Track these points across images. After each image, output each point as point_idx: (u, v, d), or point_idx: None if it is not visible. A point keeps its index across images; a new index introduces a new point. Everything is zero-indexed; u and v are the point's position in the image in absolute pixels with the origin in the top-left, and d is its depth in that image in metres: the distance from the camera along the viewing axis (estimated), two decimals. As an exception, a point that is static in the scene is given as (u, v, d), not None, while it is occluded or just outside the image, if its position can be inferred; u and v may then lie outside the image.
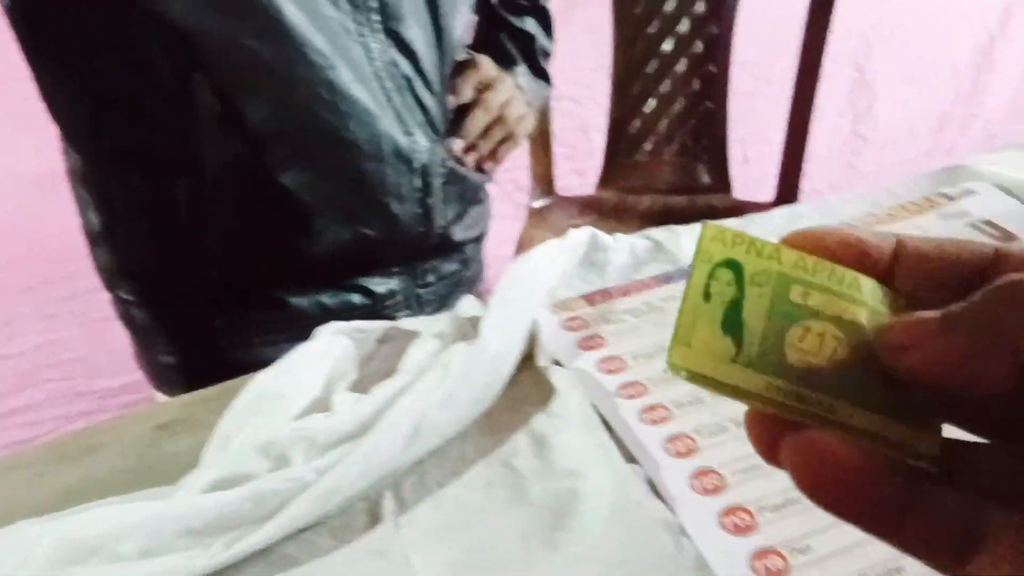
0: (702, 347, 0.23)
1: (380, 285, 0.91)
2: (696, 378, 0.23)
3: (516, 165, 1.63)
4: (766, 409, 0.24)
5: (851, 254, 0.25)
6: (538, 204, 1.72)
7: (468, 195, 0.96)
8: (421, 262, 0.94)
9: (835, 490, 0.22)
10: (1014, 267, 0.23)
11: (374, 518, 0.52)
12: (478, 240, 1.03)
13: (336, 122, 0.78)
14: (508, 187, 1.93)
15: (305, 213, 0.82)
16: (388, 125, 0.81)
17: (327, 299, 0.88)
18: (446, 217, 0.92)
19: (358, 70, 0.78)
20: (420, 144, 0.85)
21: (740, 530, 0.49)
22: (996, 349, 0.20)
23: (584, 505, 0.52)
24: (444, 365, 0.56)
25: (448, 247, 0.96)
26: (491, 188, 1.05)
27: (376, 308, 0.90)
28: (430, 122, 0.86)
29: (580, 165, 2.01)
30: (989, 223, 0.74)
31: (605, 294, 0.69)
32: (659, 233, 0.78)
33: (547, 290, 0.69)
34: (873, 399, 0.23)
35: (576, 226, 0.75)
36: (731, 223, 0.79)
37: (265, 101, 0.76)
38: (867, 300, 0.24)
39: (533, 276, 0.66)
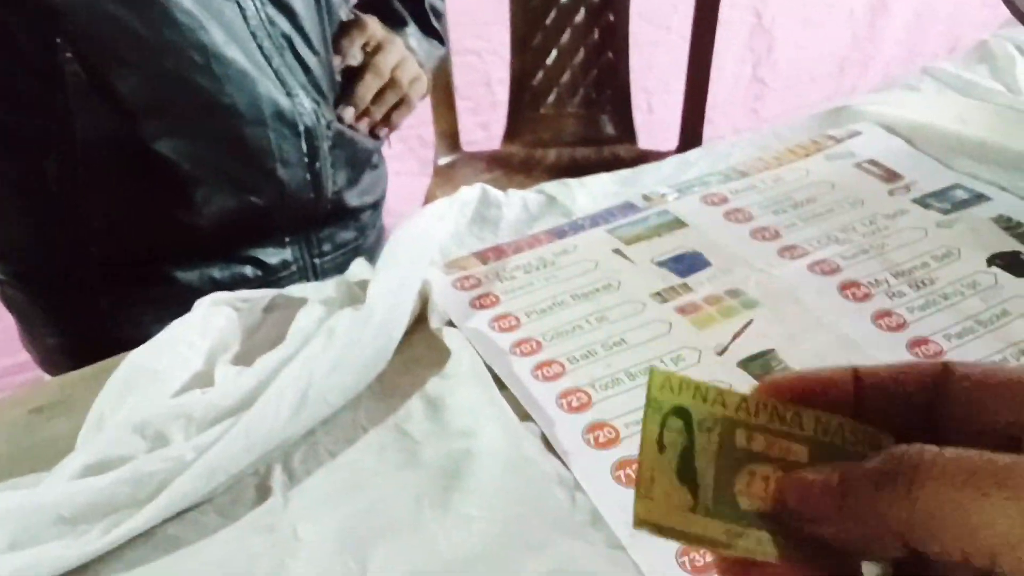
0: (662, 499, 0.24)
1: (273, 256, 0.88)
2: (662, 531, 0.24)
3: (420, 121, 1.60)
4: (730, 553, 0.24)
5: (819, 392, 0.26)
6: (443, 161, 1.70)
7: (360, 159, 0.93)
8: (315, 230, 0.91)
9: None
10: (959, 379, 0.24)
11: (263, 492, 0.51)
12: (375, 207, 1.00)
13: (211, 86, 0.75)
14: (412, 143, 1.90)
15: (186, 183, 0.78)
16: (268, 87, 0.78)
17: (217, 272, 0.85)
18: (337, 182, 0.89)
19: (232, 30, 0.75)
20: (304, 106, 0.82)
21: (633, 481, 0.49)
22: (881, 535, 0.22)
23: (477, 464, 0.51)
24: (330, 331, 0.55)
25: (343, 214, 0.93)
26: (395, 144, 1.03)
27: (270, 280, 0.88)
28: (313, 83, 0.84)
29: (484, 119, 1.99)
30: (874, 162, 0.75)
31: (498, 251, 0.68)
32: (552, 187, 0.77)
33: (437, 249, 0.67)
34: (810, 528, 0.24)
35: (484, 182, 0.74)
36: (627, 173, 0.78)
37: (134, 69, 0.73)
38: (810, 434, 0.25)
39: (422, 236, 0.64)
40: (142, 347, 0.56)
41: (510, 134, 1.75)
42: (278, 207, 0.84)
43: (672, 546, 0.45)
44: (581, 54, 1.69)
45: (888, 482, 0.22)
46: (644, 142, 1.72)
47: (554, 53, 1.68)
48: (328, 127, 0.85)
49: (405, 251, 0.61)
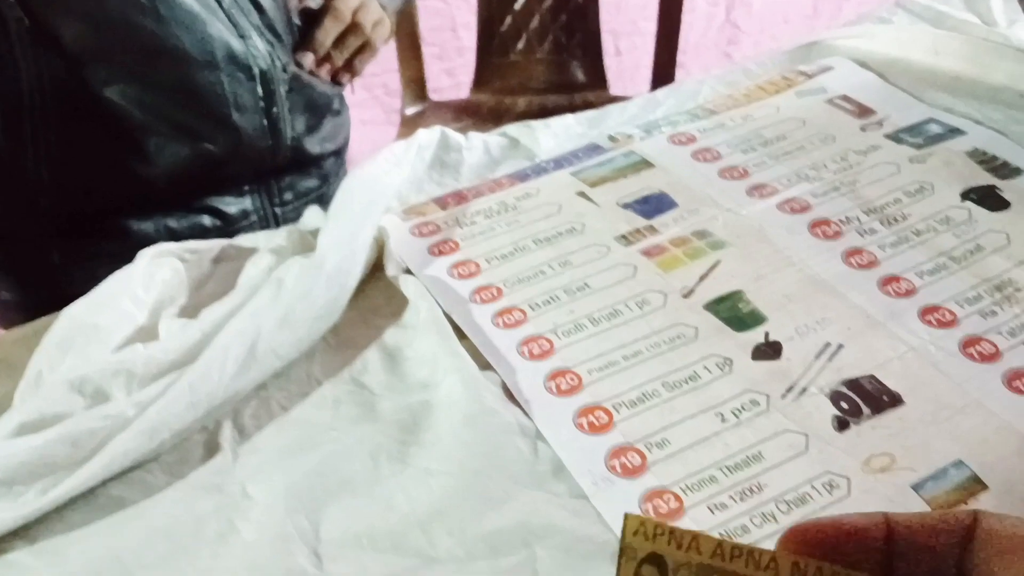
0: None
1: (232, 206, 0.85)
2: None
3: (385, 68, 1.56)
4: None
5: (850, 541, 0.24)
6: (411, 111, 1.66)
7: (319, 104, 0.90)
8: (275, 179, 0.88)
9: None
10: (990, 526, 0.23)
11: (212, 450, 0.48)
12: (337, 154, 0.97)
13: (158, 29, 0.71)
14: (377, 91, 1.86)
15: (138, 131, 0.75)
16: (219, 29, 0.75)
17: (175, 223, 0.82)
18: (295, 128, 0.85)
19: None
20: (258, 48, 0.78)
21: (596, 429, 0.47)
22: None
23: (436, 417, 0.49)
24: (279, 282, 0.52)
25: (304, 161, 0.89)
26: (359, 92, 0.99)
27: (230, 231, 0.84)
28: (268, 24, 0.80)
29: (450, 65, 1.94)
30: (846, 98, 0.73)
31: (458, 196, 0.66)
32: (515, 129, 0.74)
33: (394, 195, 0.65)
34: None
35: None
36: (593, 114, 0.76)
37: (77, 14, 0.70)
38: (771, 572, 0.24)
39: (376, 182, 0.61)
40: (80, 301, 0.53)
41: (478, 82, 1.71)
42: (235, 155, 0.81)
43: (635, 495, 0.43)
44: (550, -2, 1.64)
45: None
46: (615, 87, 1.68)
47: (522, -3, 1.64)
48: (284, 70, 0.82)
49: (358, 197, 0.59)
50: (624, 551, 0.24)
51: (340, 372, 0.53)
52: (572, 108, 0.80)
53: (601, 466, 0.45)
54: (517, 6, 1.64)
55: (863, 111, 0.71)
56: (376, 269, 0.59)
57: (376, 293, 0.58)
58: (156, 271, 0.56)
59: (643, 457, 0.45)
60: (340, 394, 0.51)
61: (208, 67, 0.75)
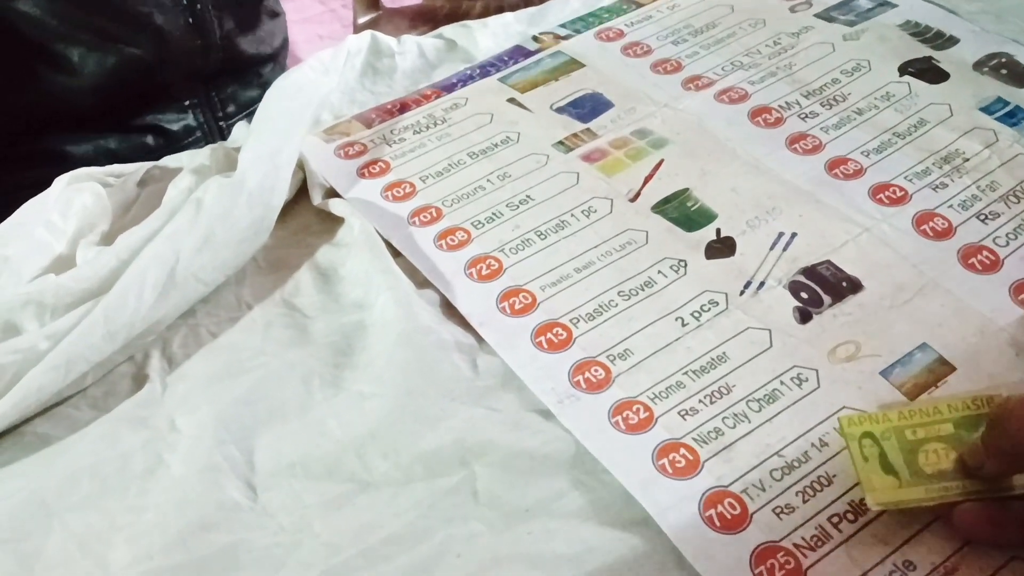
0: (880, 487, 0.35)
1: (174, 122, 0.79)
2: (889, 506, 0.35)
3: None
4: (932, 503, 0.35)
5: None
6: (363, 20, 1.57)
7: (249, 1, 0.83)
8: (215, 89, 0.82)
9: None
10: None
11: (139, 382, 0.45)
12: (274, 59, 0.90)
13: None
14: (333, 3, 1.76)
15: (57, 42, 0.70)
16: None
17: (114, 144, 0.76)
18: (224, 27, 0.79)
19: None
20: None
21: (556, 346, 0.45)
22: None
23: (370, 338, 0.46)
24: (197, 202, 0.48)
25: (240, 66, 0.83)
26: (314, 6, 0.92)
27: (174, 149, 0.78)
28: None
29: None
30: None
31: (383, 112, 0.61)
32: (451, 31, 0.70)
33: (322, 105, 0.60)
34: (980, 473, 0.35)
35: None
36: (532, 11, 0.71)
37: None
38: (948, 416, 0.36)
39: (301, 92, 0.57)
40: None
41: None
42: (163, 59, 0.75)
43: (603, 409, 0.41)
44: None
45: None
46: None
47: None
48: None
49: (282, 109, 0.54)
50: (847, 437, 0.37)
51: (271, 294, 0.50)
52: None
53: (565, 383, 0.43)
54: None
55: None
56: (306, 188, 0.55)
57: (307, 211, 0.54)
58: (75, 197, 0.51)
59: (607, 370, 0.43)
60: (271, 317, 0.48)
61: None
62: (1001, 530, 0.35)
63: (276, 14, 0.89)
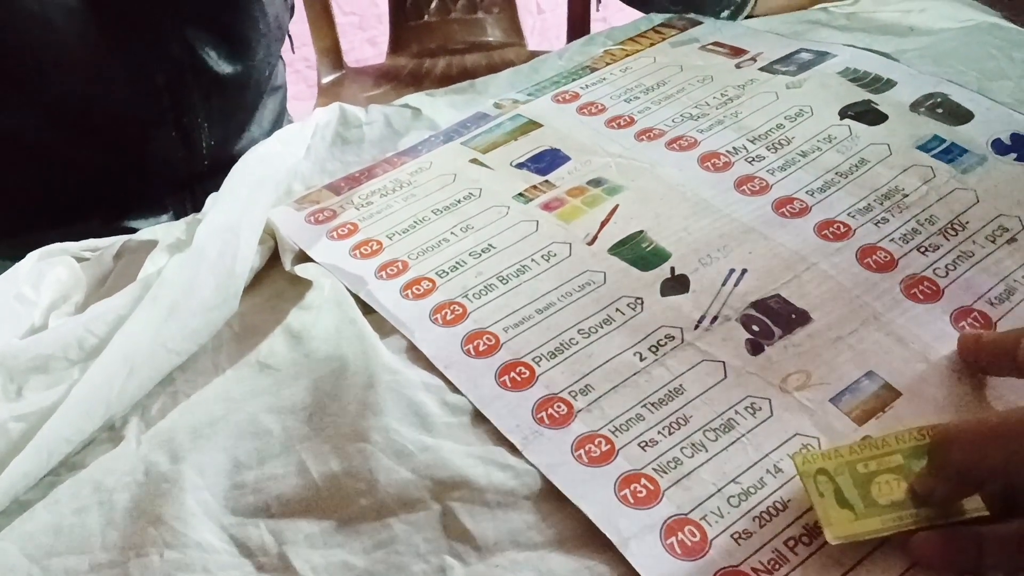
0: (837, 522, 0.36)
1: (153, 223, 0.78)
2: (847, 539, 0.35)
3: (304, 41, 1.49)
4: (886, 534, 0.35)
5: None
6: (327, 80, 1.59)
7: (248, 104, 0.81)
8: (199, 189, 0.79)
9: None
10: None
11: (116, 443, 0.45)
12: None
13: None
14: (298, 65, 1.79)
15: (35, 149, 0.69)
16: None
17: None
18: (212, 135, 0.77)
19: None
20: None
21: (519, 385, 0.45)
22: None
23: (340, 386, 0.46)
24: (160, 274, 0.49)
25: (228, 164, 0.83)
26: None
27: None
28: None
29: (372, 34, 1.88)
30: (717, 44, 0.72)
31: (351, 180, 0.63)
32: (416, 99, 0.72)
33: (292, 176, 0.61)
34: (931, 500, 0.36)
35: (372, 99, 0.68)
36: (481, 80, 0.73)
37: None
38: (896, 447, 0.37)
39: (264, 163, 0.58)
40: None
41: (395, 45, 1.65)
42: (143, 170, 0.75)
43: (566, 443, 0.42)
44: (456, -46, 1.60)
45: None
46: (535, 43, 1.64)
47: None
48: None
49: (245, 182, 0.55)
50: (802, 475, 0.37)
51: (246, 357, 0.50)
52: (492, 67, 0.77)
53: (529, 420, 0.43)
54: (427, -34, 1.59)
55: (736, 52, 0.70)
56: (278, 255, 0.56)
57: (280, 278, 0.55)
58: (48, 270, 0.52)
59: (569, 406, 0.44)
60: (246, 376, 0.49)
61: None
62: (956, 556, 0.35)
63: (277, 88, 0.87)
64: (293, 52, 0.90)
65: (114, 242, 0.57)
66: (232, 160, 0.79)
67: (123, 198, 0.76)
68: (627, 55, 0.73)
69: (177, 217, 0.78)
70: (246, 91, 0.80)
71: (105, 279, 0.55)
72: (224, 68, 0.75)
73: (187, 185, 0.79)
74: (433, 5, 1.64)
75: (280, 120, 0.89)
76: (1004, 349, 0.40)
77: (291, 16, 0.84)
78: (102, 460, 0.44)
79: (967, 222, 0.50)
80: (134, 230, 0.75)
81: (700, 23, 0.77)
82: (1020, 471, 0.33)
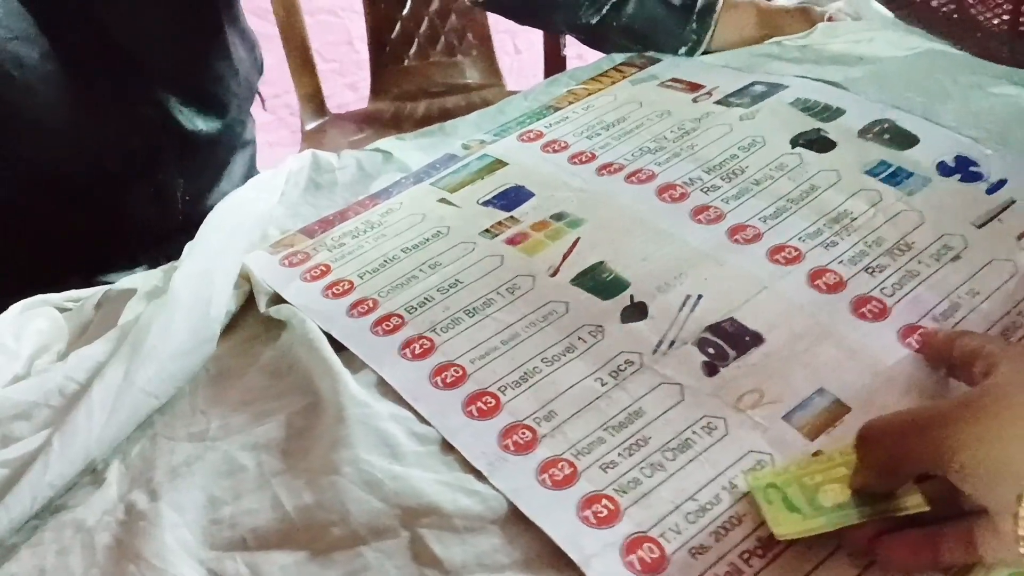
0: (786, 523, 0.37)
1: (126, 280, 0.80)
2: (794, 535, 0.37)
3: (286, 89, 1.51)
4: (830, 529, 0.37)
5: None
6: (311, 126, 1.61)
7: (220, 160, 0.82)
8: (173, 245, 0.80)
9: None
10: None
11: (98, 485, 0.46)
12: None
13: None
14: (281, 112, 1.80)
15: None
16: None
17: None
18: (187, 192, 0.78)
19: None
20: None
21: (485, 414, 0.46)
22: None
23: (311, 421, 0.47)
24: (136, 320, 0.50)
25: (202, 219, 0.85)
26: (264, 116, 0.92)
27: None
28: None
29: (352, 79, 1.90)
30: (676, 80, 0.74)
31: (324, 223, 0.64)
32: (388, 143, 0.74)
33: (266, 222, 0.62)
34: (873, 497, 0.37)
35: (355, 143, 0.69)
36: (456, 121, 0.75)
37: None
38: (839, 460, 0.39)
39: (238, 210, 0.59)
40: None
41: (376, 90, 1.67)
42: (116, 230, 0.75)
43: (530, 468, 0.43)
44: (436, 1, 1.62)
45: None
46: (516, 83, 1.66)
47: (408, 3, 1.61)
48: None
49: (218, 229, 0.57)
50: (755, 491, 0.39)
51: (224, 398, 0.51)
52: (471, 108, 0.79)
53: (495, 447, 0.44)
54: (404, 12, 1.62)
55: (693, 87, 0.72)
56: (253, 300, 0.57)
57: (255, 321, 0.56)
58: (29, 322, 0.53)
59: (533, 432, 0.45)
60: (224, 416, 0.50)
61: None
62: (915, 555, 0.36)
63: (247, 143, 0.88)
64: (264, 110, 0.91)
65: (95, 292, 0.58)
66: (205, 214, 0.80)
67: (100, 256, 0.76)
68: (589, 94, 0.75)
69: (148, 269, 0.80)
70: (219, 147, 0.81)
71: (86, 328, 0.56)
72: (198, 126, 0.76)
73: (163, 240, 0.79)
74: (412, 49, 1.67)
75: (250, 173, 0.90)
76: (946, 349, 0.43)
77: (260, 75, 0.85)
78: (84, 502, 0.45)
79: (913, 242, 0.52)
80: (106, 283, 0.76)
81: (659, 60, 0.79)
82: (938, 461, 0.34)
